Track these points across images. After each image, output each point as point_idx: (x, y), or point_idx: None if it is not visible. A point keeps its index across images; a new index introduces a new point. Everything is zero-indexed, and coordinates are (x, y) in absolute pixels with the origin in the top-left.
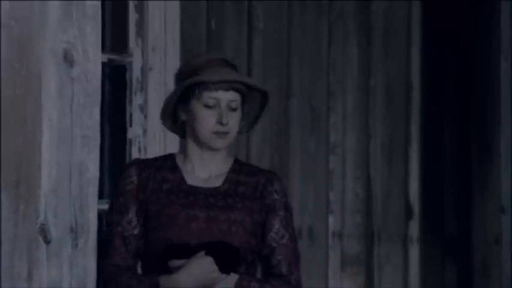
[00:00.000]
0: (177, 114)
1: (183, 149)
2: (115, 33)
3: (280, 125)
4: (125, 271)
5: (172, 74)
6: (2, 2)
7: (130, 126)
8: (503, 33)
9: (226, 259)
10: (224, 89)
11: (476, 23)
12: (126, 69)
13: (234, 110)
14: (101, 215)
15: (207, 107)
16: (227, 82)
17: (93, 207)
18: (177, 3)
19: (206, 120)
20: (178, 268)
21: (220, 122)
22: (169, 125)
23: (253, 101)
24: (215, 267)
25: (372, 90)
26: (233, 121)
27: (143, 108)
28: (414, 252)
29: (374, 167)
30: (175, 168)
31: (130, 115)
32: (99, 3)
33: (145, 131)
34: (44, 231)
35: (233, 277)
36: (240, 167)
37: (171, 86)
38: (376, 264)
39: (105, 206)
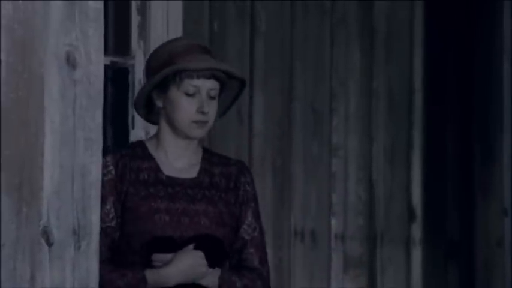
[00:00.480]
0: (152, 100)
1: (156, 137)
2: (117, 36)
3: (282, 127)
4: (102, 264)
5: None
6: (4, 4)
7: (133, 128)
8: (506, 36)
9: (213, 253)
10: (206, 77)
11: (479, 26)
12: (129, 71)
13: (213, 98)
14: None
15: (188, 95)
16: (210, 70)
17: (95, 209)
18: (180, 4)
19: (186, 109)
20: (162, 262)
21: (201, 111)
22: (142, 112)
23: (230, 89)
24: (204, 261)
25: (374, 92)
26: (212, 110)
27: None
28: (417, 255)
29: (376, 169)
30: (148, 156)
31: (133, 117)
32: (101, 6)
33: (147, 134)
34: (46, 234)
35: (216, 271)
36: (210, 157)
37: None
38: (379, 267)
39: None
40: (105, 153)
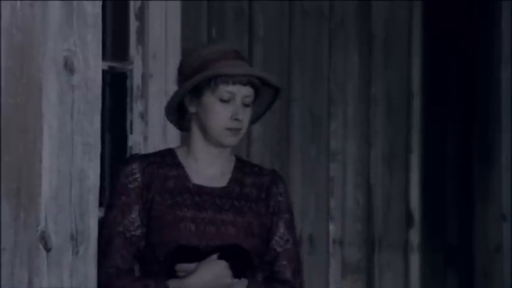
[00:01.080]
0: (184, 106)
1: (187, 144)
2: (116, 41)
3: (281, 131)
4: (126, 274)
5: (173, 81)
6: (2, 9)
7: (131, 133)
8: (504, 38)
9: (238, 263)
10: (241, 84)
11: (478, 28)
12: (127, 76)
13: (247, 105)
14: (101, 222)
15: (222, 101)
16: (246, 76)
17: (93, 214)
18: (178, 10)
19: (220, 115)
20: (185, 272)
21: (235, 118)
22: (173, 118)
23: (263, 97)
24: (229, 272)
25: (372, 97)
26: (246, 117)
27: (144, 116)
28: (415, 260)
29: (375, 174)
30: (177, 164)
31: (131, 122)
32: (99, 11)
33: (145, 139)
34: (44, 239)
35: (243, 282)
36: (242, 166)
37: (171, 93)
38: (377, 272)
39: None
40: (120, 159)
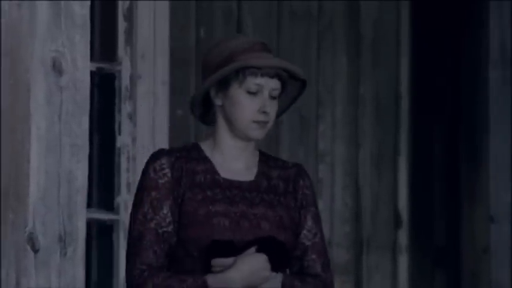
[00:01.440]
0: (209, 99)
1: (212, 137)
2: (104, 42)
3: (269, 133)
4: (159, 271)
5: (161, 82)
6: None
7: (119, 134)
8: (492, 39)
9: (275, 256)
10: (269, 76)
11: (466, 30)
12: (115, 77)
13: (274, 98)
14: (89, 223)
15: (250, 93)
16: (274, 68)
17: (81, 215)
18: (167, 11)
19: (247, 108)
20: (222, 267)
21: (263, 111)
22: (198, 111)
23: (288, 90)
24: (268, 265)
25: (361, 99)
26: (273, 110)
27: (132, 117)
28: (403, 261)
29: (363, 175)
30: (204, 158)
31: (119, 123)
32: (87, 12)
33: (134, 140)
34: (32, 240)
35: (278, 276)
36: (266, 159)
37: (159, 94)
38: (365, 273)
39: (94, 215)
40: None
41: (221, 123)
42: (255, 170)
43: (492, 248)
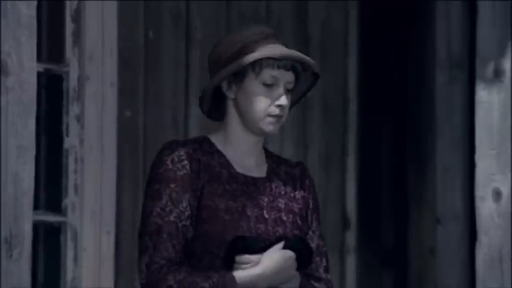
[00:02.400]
0: (220, 93)
1: (224, 132)
2: (51, 43)
3: None
4: (180, 266)
5: (110, 83)
6: None
7: (67, 136)
8: (438, 42)
9: (300, 255)
10: (286, 69)
11: (413, 32)
12: (63, 78)
13: (288, 92)
14: (36, 225)
15: (266, 85)
16: (292, 60)
17: (28, 218)
18: (115, 12)
19: (263, 100)
20: (248, 263)
21: (278, 104)
22: (206, 105)
23: (298, 85)
24: (294, 263)
25: (309, 100)
26: (288, 104)
27: (80, 118)
28: (351, 262)
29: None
30: (217, 152)
31: (67, 125)
32: (34, 13)
33: (81, 141)
34: None
35: (297, 276)
36: (271, 156)
37: (108, 95)
38: None
39: (41, 217)
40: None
41: (233, 117)
42: (264, 167)
43: (438, 249)
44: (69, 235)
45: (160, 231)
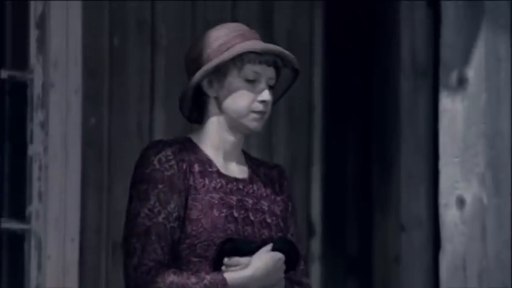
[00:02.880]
0: (200, 93)
1: (204, 132)
2: (16, 50)
3: None
4: (169, 268)
5: (74, 91)
6: None
7: (31, 143)
8: (403, 51)
9: (287, 257)
10: (267, 64)
11: (379, 40)
12: (27, 85)
13: (271, 88)
14: (0, 233)
15: (248, 81)
16: (273, 54)
17: None
18: (79, 19)
19: (246, 96)
20: (237, 265)
21: (262, 100)
22: (187, 106)
23: (280, 82)
24: (283, 265)
25: (274, 108)
26: (271, 100)
27: (44, 126)
28: (316, 270)
29: None
30: (200, 152)
31: (31, 132)
32: None
33: (46, 149)
34: None
35: (283, 281)
36: (250, 157)
37: (72, 103)
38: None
39: (4, 225)
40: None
41: (215, 116)
42: (245, 169)
43: (403, 256)
44: (33, 243)
45: (148, 232)
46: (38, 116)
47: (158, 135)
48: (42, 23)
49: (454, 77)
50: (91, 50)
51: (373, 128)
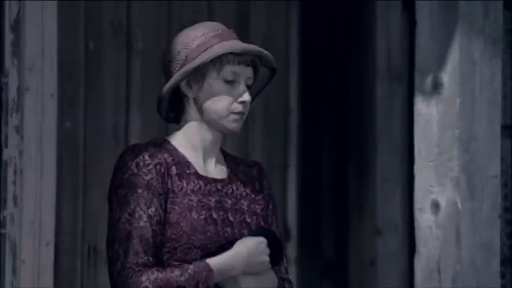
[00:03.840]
0: (178, 94)
1: (183, 133)
2: None
3: None
4: (152, 267)
5: (50, 94)
6: None
7: (6, 147)
8: (379, 56)
9: (272, 250)
10: (246, 64)
11: (355, 45)
12: (2, 89)
13: (249, 88)
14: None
15: (227, 82)
16: (252, 55)
17: None
18: (54, 23)
19: (225, 97)
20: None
21: (241, 101)
22: (164, 107)
23: (256, 81)
24: (266, 249)
25: (250, 111)
26: (249, 100)
27: (19, 130)
28: (291, 273)
29: None
30: (179, 154)
31: (6, 136)
32: None
33: (21, 153)
34: None
35: (275, 276)
36: (228, 156)
37: (48, 107)
38: None
39: None
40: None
41: (193, 117)
42: (224, 168)
43: (378, 260)
44: (7, 247)
45: (130, 237)
46: (13, 120)
47: (134, 139)
48: (17, 27)
49: (429, 81)
50: (66, 53)
51: (349, 132)
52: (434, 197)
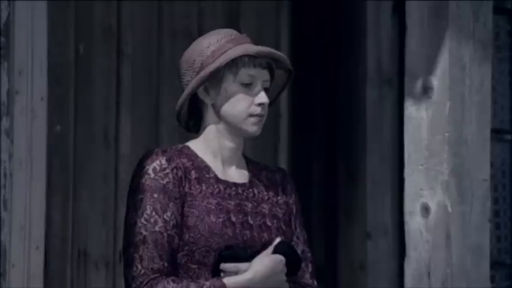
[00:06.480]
0: (196, 101)
1: (203, 140)
2: None
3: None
4: (168, 275)
5: (40, 98)
6: None
7: None
8: (369, 59)
9: (288, 261)
10: (262, 67)
11: (345, 49)
12: None
13: (266, 90)
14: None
15: (244, 85)
16: (267, 57)
17: None
18: (45, 27)
19: (243, 100)
20: (235, 271)
21: (259, 103)
22: (184, 116)
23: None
24: (284, 268)
25: None
26: (268, 102)
27: (9, 133)
28: None
29: None
30: (199, 160)
31: None
32: None
33: (11, 156)
34: None
35: (286, 284)
36: (251, 162)
37: (37, 110)
38: None
39: None
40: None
41: (212, 123)
42: (246, 173)
43: (368, 264)
44: None
45: (145, 241)
46: (3, 124)
47: (124, 143)
48: (6, 30)
49: (419, 85)
50: (57, 57)
51: (338, 136)
52: (424, 201)
